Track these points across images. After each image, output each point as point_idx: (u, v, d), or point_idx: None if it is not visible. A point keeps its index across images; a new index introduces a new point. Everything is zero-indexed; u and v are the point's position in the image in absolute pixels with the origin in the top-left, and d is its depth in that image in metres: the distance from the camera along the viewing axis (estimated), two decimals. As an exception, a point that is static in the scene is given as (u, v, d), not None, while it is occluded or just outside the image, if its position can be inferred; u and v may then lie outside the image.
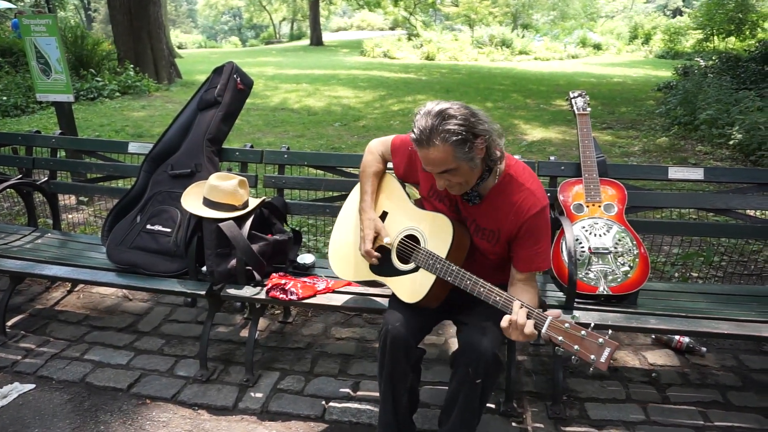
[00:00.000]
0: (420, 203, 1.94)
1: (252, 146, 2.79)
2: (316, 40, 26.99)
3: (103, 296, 3.08)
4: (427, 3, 26.02)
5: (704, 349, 2.52)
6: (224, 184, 2.36)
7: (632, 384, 2.32)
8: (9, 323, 2.73)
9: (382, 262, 1.88)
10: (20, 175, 3.05)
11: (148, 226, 2.52)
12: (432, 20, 30.44)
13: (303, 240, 3.09)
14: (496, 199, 1.74)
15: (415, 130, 1.59)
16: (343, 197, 2.41)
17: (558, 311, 1.53)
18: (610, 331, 1.47)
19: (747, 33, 14.32)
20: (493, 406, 2.17)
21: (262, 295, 2.26)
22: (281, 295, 2.23)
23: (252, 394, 2.27)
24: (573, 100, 2.59)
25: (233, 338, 2.67)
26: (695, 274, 3.24)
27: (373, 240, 1.88)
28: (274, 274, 2.36)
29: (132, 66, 10.45)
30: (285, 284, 2.25)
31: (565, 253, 2.15)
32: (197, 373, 2.37)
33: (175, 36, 32.93)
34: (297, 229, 2.87)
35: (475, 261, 1.80)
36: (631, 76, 13.61)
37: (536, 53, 20.14)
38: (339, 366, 2.46)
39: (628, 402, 2.21)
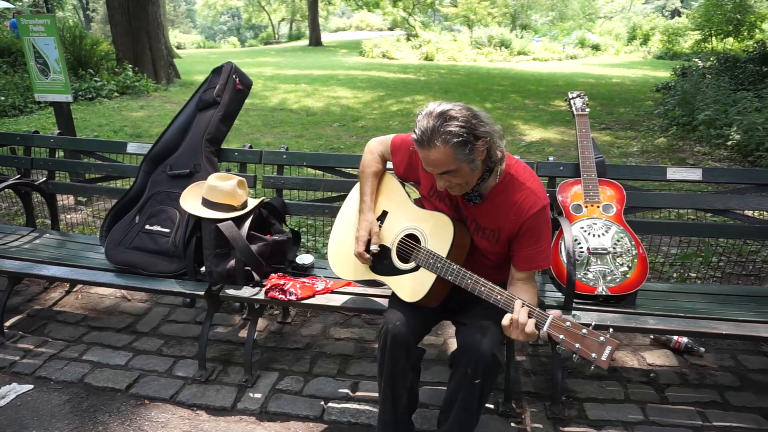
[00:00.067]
0: (420, 202, 1.94)
1: (251, 146, 2.79)
2: (315, 41, 27.00)
3: (101, 297, 3.07)
4: (426, 3, 26.06)
5: (702, 349, 2.52)
6: (223, 184, 2.35)
7: (631, 384, 2.33)
8: (7, 324, 2.73)
9: (383, 262, 1.88)
10: (18, 176, 3.04)
11: (147, 227, 2.52)
12: (431, 21, 30.48)
13: (302, 240, 3.09)
14: (497, 198, 1.74)
15: (416, 130, 1.60)
16: (342, 197, 2.41)
17: (558, 311, 1.54)
18: (611, 330, 1.47)
19: (745, 34, 14.37)
20: (492, 406, 2.17)
21: (261, 296, 2.26)
22: (280, 296, 2.23)
23: (251, 394, 2.27)
24: (572, 101, 2.59)
25: (232, 339, 2.67)
26: (693, 275, 3.24)
27: (367, 242, 1.88)
28: (273, 275, 2.36)
29: (130, 66, 10.43)
30: (284, 285, 2.25)
31: (563, 254, 2.15)
32: (196, 374, 2.37)
33: (174, 36, 32.91)
34: (296, 229, 2.87)
35: (475, 260, 1.81)
36: (630, 77, 13.64)
37: (535, 54, 20.18)
38: (338, 366, 2.46)
39: (626, 402, 2.22)
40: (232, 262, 2.30)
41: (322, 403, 2.22)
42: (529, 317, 1.53)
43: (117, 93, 9.71)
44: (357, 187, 2.09)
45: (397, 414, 1.81)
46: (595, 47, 22.42)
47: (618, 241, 2.21)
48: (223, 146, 2.78)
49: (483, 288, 1.64)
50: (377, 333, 2.73)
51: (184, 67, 13.75)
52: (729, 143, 5.82)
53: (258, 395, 2.26)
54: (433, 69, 15.66)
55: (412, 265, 1.81)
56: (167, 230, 2.48)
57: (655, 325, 2.01)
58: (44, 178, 3.07)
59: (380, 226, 1.94)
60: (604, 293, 2.13)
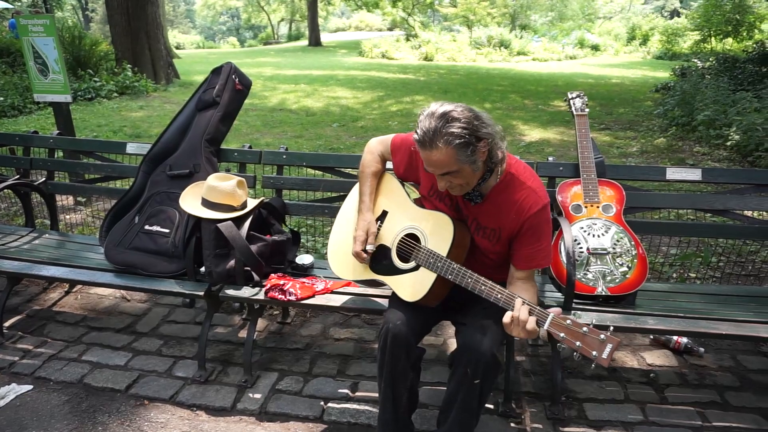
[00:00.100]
0: (419, 202, 1.94)
1: (250, 147, 2.79)
2: (315, 41, 27.00)
3: (101, 297, 3.07)
4: (426, 3, 26.08)
5: (702, 349, 2.52)
6: (223, 184, 2.35)
7: (630, 384, 2.33)
8: (6, 324, 2.72)
9: (383, 261, 1.89)
10: (18, 176, 3.04)
11: (147, 227, 2.52)
12: (430, 21, 30.50)
13: (302, 240, 3.09)
14: (498, 197, 1.74)
15: (418, 130, 1.60)
16: (342, 198, 2.41)
17: (558, 309, 1.54)
18: (611, 328, 1.47)
19: (744, 34, 14.39)
20: (491, 406, 2.17)
21: (261, 296, 2.25)
22: (280, 296, 2.23)
23: (250, 394, 2.27)
24: (571, 101, 2.60)
25: (232, 339, 2.67)
26: (693, 275, 3.24)
27: (365, 242, 1.89)
28: (272, 275, 2.35)
29: (130, 66, 10.43)
30: (283, 285, 2.25)
31: (563, 254, 2.15)
32: (195, 374, 2.37)
33: (173, 36, 32.91)
34: (295, 229, 2.87)
35: (475, 260, 1.81)
36: (629, 77, 13.65)
37: (534, 54, 20.20)
38: (337, 367, 2.46)
39: (626, 402, 2.22)
40: (232, 263, 2.30)
41: (322, 403, 2.22)
42: (530, 315, 1.53)
43: (116, 93, 9.71)
44: (357, 187, 2.09)
45: (398, 414, 1.81)
46: (595, 47, 22.44)
47: (618, 241, 2.21)
48: (223, 146, 2.78)
49: (483, 287, 1.65)
50: (377, 333, 2.73)
51: (183, 67, 13.75)
52: (728, 143, 5.83)
53: (258, 395, 2.26)
54: (433, 69, 15.67)
55: (412, 264, 1.81)
56: (167, 230, 2.48)
57: (654, 325, 2.02)
58: (43, 179, 3.06)
59: (380, 226, 1.94)
60: (603, 293, 2.13)
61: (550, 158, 2.58)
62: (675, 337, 2.53)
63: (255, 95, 9.82)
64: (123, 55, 10.69)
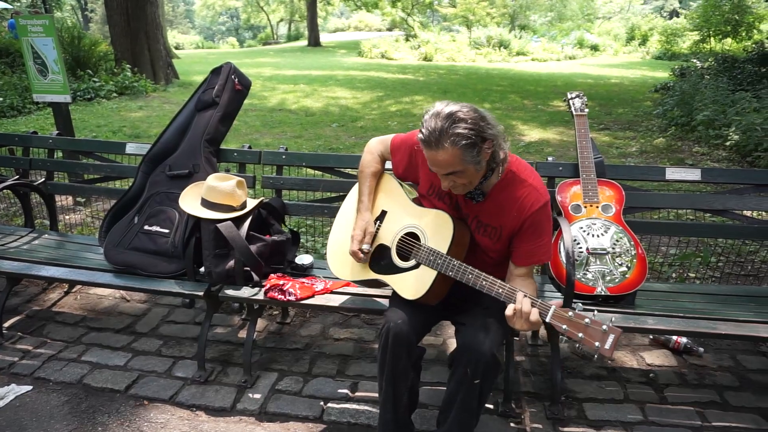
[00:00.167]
0: (418, 201, 1.94)
1: (250, 147, 2.79)
2: (314, 41, 27.00)
3: (100, 297, 3.07)
4: (425, 4, 26.10)
5: (702, 349, 2.52)
6: (222, 184, 2.35)
7: (630, 384, 2.33)
8: (6, 325, 2.72)
9: (383, 261, 1.89)
10: (17, 176, 3.04)
11: (146, 227, 2.52)
12: (429, 21, 30.51)
13: (301, 241, 3.09)
14: (499, 195, 1.75)
15: (423, 130, 1.59)
16: (341, 198, 2.41)
17: (560, 301, 1.54)
18: (613, 318, 1.48)
19: (743, 34, 14.41)
20: (491, 406, 2.17)
21: (260, 296, 2.25)
22: (279, 296, 2.23)
23: (250, 395, 2.27)
24: (571, 101, 2.60)
25: (231, 339, 2.67)
26: (692, 275, 3.25)
27: (362, 241, 1.89)
28: (272, 275, 2.35)
29: (129, 66, 10.43)
30: (283, 285, 2.25)
31: (563, 254, 2.15)
32: (195, 374, 2.37)
33: (173, 37, 32.89)
34: (295, 229, 2.87)
35: (475, 258, 1.81)
36: (629, 77, 13.66)
37: (534, 54, 20.21)
38: (337, 367, 2.46)
39: (626, 402, 2.22)
40: (232, 263, 2.30)
41: (322, 403, 2.22)
42: (532, 307, 1.54)
43: (115, 93, 9.70)
44: (356, 187, 2.09)
45: (398, 413, 1.81)
46: (594, 48, 22.46)
47: (617, 241, 2.22)
48: (222, 147, 2.78)
49: (485, 282, 1.65)
50: (377, 333, 2.73)
51: (182, 67, 13.74)
52: (727, 143, 5.83)
53: (257, 396, 2.26)
54: (432, 69, 15.67)
55: (412, 262, 1.81)
56: (166, 231, 2.48)
57: (654, 325, 2.02)
58: (43, 179, 3.06)
59: (380, 226, 1.94)
60: (603, 293, 2.13)
61: (550, 158, 2.58)
62: (674, 337, 2.53)
63: (254, 95, 9.81)
64: (122, 56, 10.69)
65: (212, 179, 2.38)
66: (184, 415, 2.16)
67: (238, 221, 2.33)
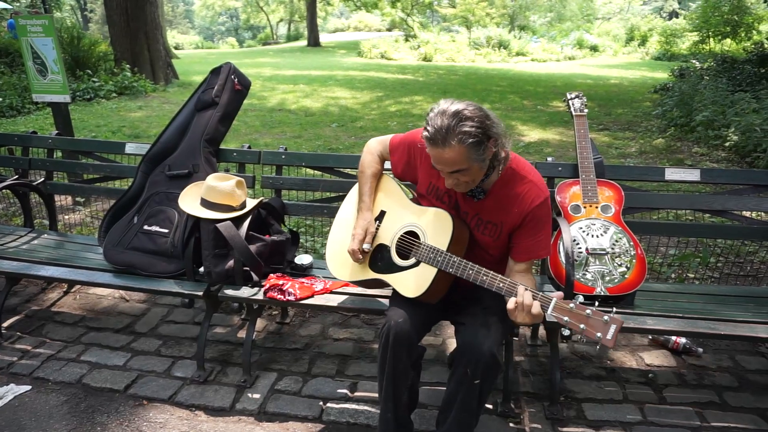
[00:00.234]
0: (417, 201, 1.94)
1: (249, 147, 2.79)
2: (314, 41, 26.99)
3: (99, 297, 3.07)
4: (424, 4, 26.11)
5: (701, 349, 2.53)
6: (222, 184, 2.35)
7: (629, 384, 2.33)
8: (5, 324, 2.72)
9: (382, 260, 1.89)
10: (16, 176, 3.04)
11: (146, 227, 2.51)
12: (429, 21, 30.52)
13: (301, 241, 3.09)
14: (500, 192, 1.76)
15: (429, 128, 1.59)
16: (341, 198, 2.41)
17: (560, 293, 1.55)
18: (614, 309, 1.48)
19: (743, 35, 14.41)
20: (490, 406, 2.17)
21: (260, 296, 2.25)
22: (279, 296, 2.23)
23: (249, 395, 2.27)
24: (570, 102, 2.60)
25: (231, 339, 2.67)
26: (692, 275, 3.25)
27: (362, 240, 1.89)
28: (271, 275, 2.35)
29: (129, 67, 10.43)
30: (282, 285, 2.25)
31: (562, 254, 2.15)
32: (194, 374, 2.37)
33: (172, 37, 32.90)
34: (295, 229, 2.87)
35: (475, 256, 1.81)
36: (628, 78, 13.66)
37: (533, 55, 20.23)
38: (336, 367, 2.46)
39: (625, 402, 2.22)
40: (231, 263, 2.30)
41: (321, 403, 2.22)
42: (534, 300, 1.54)
43: (115, 93, 9.70)
44: (356, 187, 2.09)
45: (398, 412, 1.81)
46: (593, 48, 22.47)
47: (616, 241, 2.22)
48: (222, 147, 2.78)
49: (485, 277, 1.65)
50: (376, 333, 2.73)
51: (182, 67, 13.74)
52: (727, 144, 5.84)
53: (257, 396, 2.26)
54: (432, 70, 15.68)
55: (412, 261, 1.81)
56: (166, 231, 2.48)
57: (653, 325, 2.02)
58: (42, 179, 3.06)
59: (379, 226, 1.95)
60: (602, 294, 2.13)
61: (549, 158, 2.58)
62: (673, 337, 2.53)
63: (254, 95, 9.82)
64: (122, 56, 10.69)
65: (212, 179, 2.38)
66: (183, 414, 2.16)
67: (237, 221, 2.33)
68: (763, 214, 3.07)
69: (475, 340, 1.67)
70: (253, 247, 2.33)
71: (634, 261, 2.17)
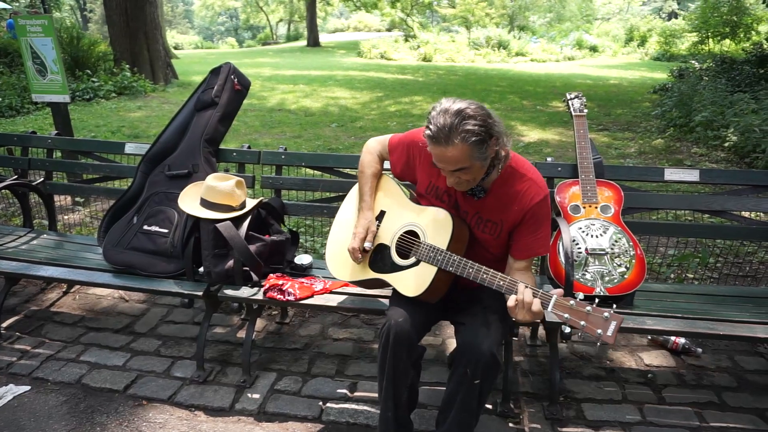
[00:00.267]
0: (416, 201, 1.95)
1: (249, 147, 2.79)
2: (313, 41, 26.99)
3: (99, 297, 3.07)
4: (424, 4, 26.11)
5: (700, 350, 2.53)
6: (221, 184, 2.35)
7: (628, 385, 2.33)
8: (4, 325, 2.72)
9: (382, 260, 1.89)
10: (16, 176, 3.04)
11: (145, 227, 2.51)
12: (429, 22, 30.53)
13: (300, 241, 3.09)
14: (500, 190, 1.76)
15: (431, 126, 1.59)
16: (341, 198, 2.41)
17: (560, 290, 1.55)
18: (614, 306, 1.49)
19: (742, 36, 14.42)
20: (490, 406, 2.17)
21: (260, 296, 2.25)
22: (278, 296, 2.23)
23: (249, 395, 2.27)
24: (570, 102, 2.60)
25: (230, 339, 2.67)
26: (691, 276, 3.25)
27: (363, 239, 1.90)
28: (271, 275, 2.36)
29: (128, 67, 10.42)
30: (282, 285, 2.25)
31: (562, 254, 2.16)
32: (194, 375, 2.37)
33: (172, 37, 32.89)
34: (294, 229, 2.87)
35: (475, 254, 1.81)
36: (627, 78, 13.67)
37: (533, 55, 20.24)
38: (336, 367, 2.46)
39: (624, 403, 2.22)
40: (231, 263, 2.30)
41: (321, 403, 2.22)
42: (534, 297, 1.54)
43: (114, 93, 9.70)
44: (355, 188, 2.10)
45: (398, 411, 1.81)
46: (593, 48, 22.48)
47: (616, 241, 2.22)
48: (222, 147, 2.78)
49: (485, 275, 1.66)
50: (376, 333, 2.73)
51: (181, 67, 13.74)
52: (726, 145, 5.84)
53: (256, 396, 2.26)
54: (432, 70, 15.68)
55: (412, 260, 1.81)
56: (165, 231, 2.48)
57: (652, 325, 2.02)
58: (42, 179, 3.06)
59: (379, 225, 1.95)
60: (602, 294, 2.13)
61: (549, 159, 2.59)
62: (673, 338, 2.54)
63: (254, 95, 9.82)
64: (121, 56, 10.69)
65: (211, 179, 2.38)
66: (182, 415, 2.16)
67: (237, 221, 2.33)
68: (762, 214, 3.08)
69: (475, 340, 1.67)
70: (252, 247, 2.33)
71: (633, 261, 2.18)
